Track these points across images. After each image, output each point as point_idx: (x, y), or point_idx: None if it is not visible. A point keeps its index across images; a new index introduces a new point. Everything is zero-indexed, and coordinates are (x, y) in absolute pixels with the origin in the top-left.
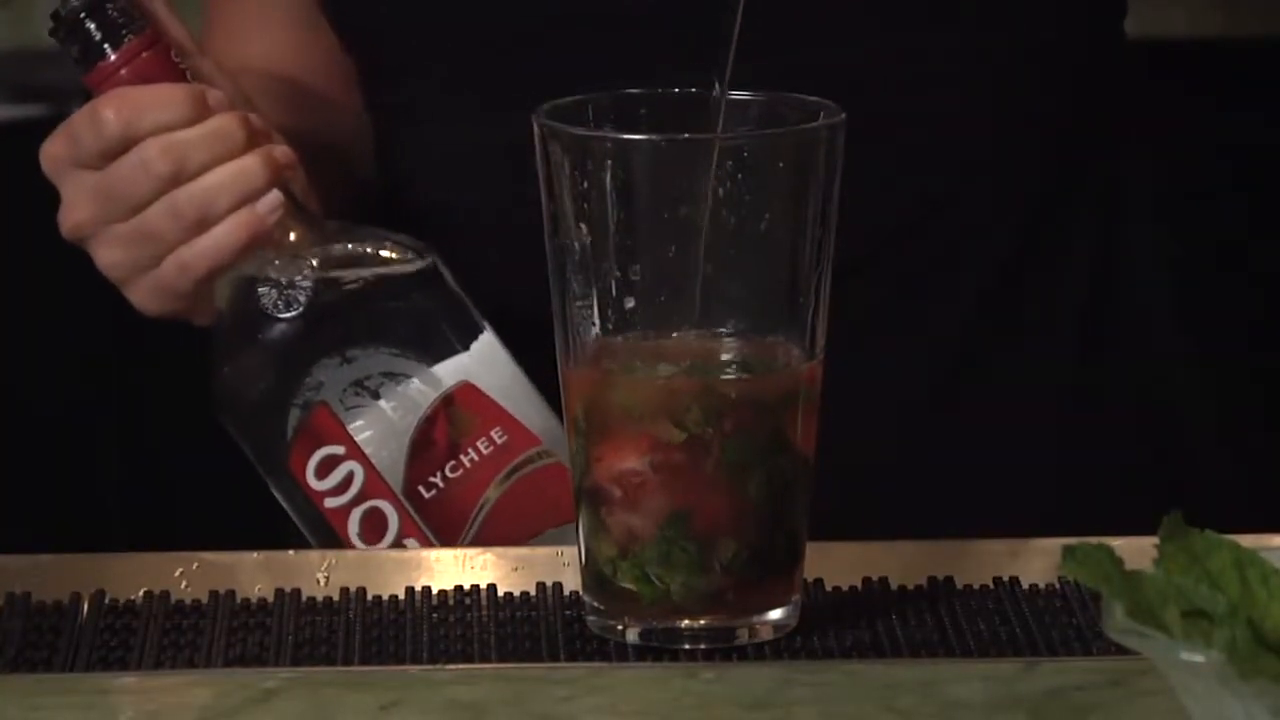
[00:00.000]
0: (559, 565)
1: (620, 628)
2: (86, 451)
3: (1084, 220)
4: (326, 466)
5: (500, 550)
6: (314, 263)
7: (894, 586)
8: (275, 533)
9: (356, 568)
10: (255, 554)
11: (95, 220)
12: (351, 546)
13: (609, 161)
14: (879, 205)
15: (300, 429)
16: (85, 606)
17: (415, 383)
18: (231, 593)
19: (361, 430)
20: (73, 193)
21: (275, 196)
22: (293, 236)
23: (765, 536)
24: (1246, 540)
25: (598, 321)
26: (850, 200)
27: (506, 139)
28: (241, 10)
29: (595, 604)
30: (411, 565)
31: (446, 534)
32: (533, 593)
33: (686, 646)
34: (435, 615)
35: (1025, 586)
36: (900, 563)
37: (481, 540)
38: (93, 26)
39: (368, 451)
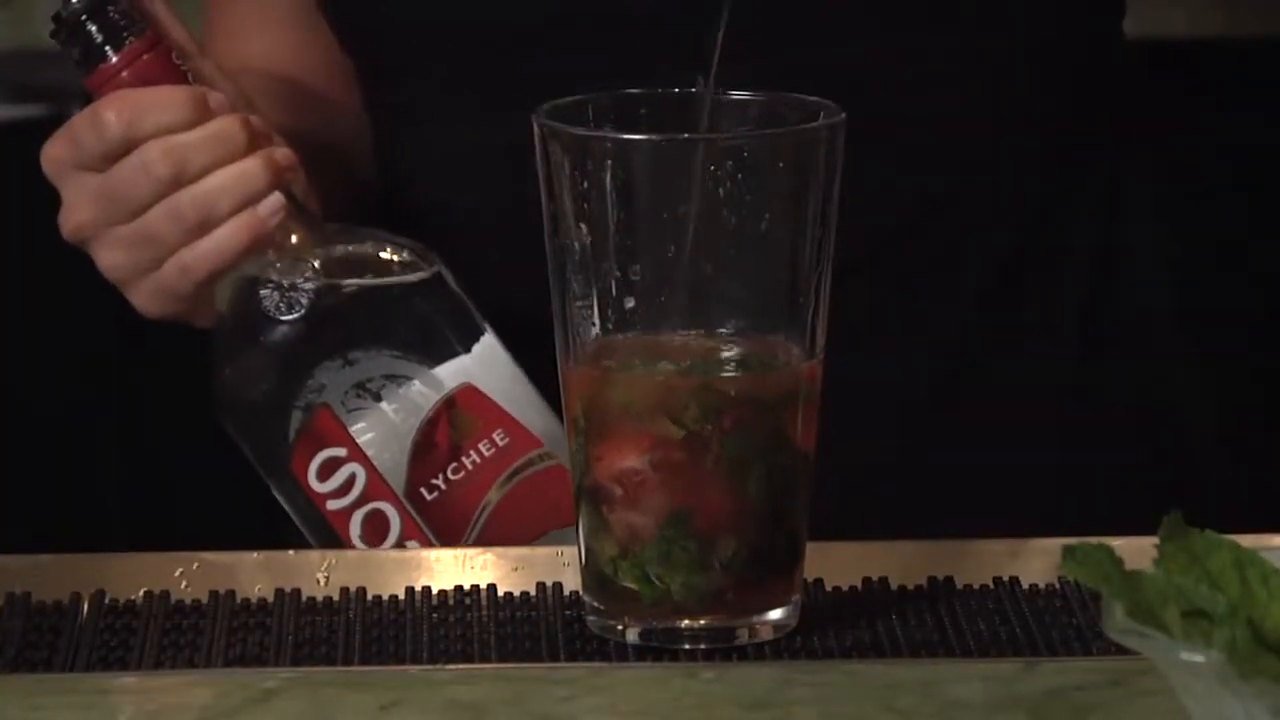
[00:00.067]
0: (559, 565)
1: (620, 628)
2: (87, 451)
3: (1084, 220)
4: (328, 469)
5: (500, 550)
6: (315, 265)
7: (894, 586)
8: (275, 533)
9: (356, 568)
10: (255, 554)
11: (96, 222)
12: (353, 548)
13: (609, 161)
14: (879, 205)
15: (302, 431)
16: (85, 606)
17: (417, 385)
18: (231, 593)
19: (363, 432)
20: (74, 194)
21: (276, 199)
22: (294, 238)
23: (765, 535)
24: (1246, 540)
25: (598, 321)
26: (850, 200)
27: (506, 139)
28: (241, 11)
29: (595, 604)
30: (411, 565)
31: (448, 536)
32: (533, 593)
33: (686, 646)
34: (435, 615)
35: (1025, 586)
36: (900, 563)
37: (483, 542)
38: (94, 28)
39: (369, 454)
